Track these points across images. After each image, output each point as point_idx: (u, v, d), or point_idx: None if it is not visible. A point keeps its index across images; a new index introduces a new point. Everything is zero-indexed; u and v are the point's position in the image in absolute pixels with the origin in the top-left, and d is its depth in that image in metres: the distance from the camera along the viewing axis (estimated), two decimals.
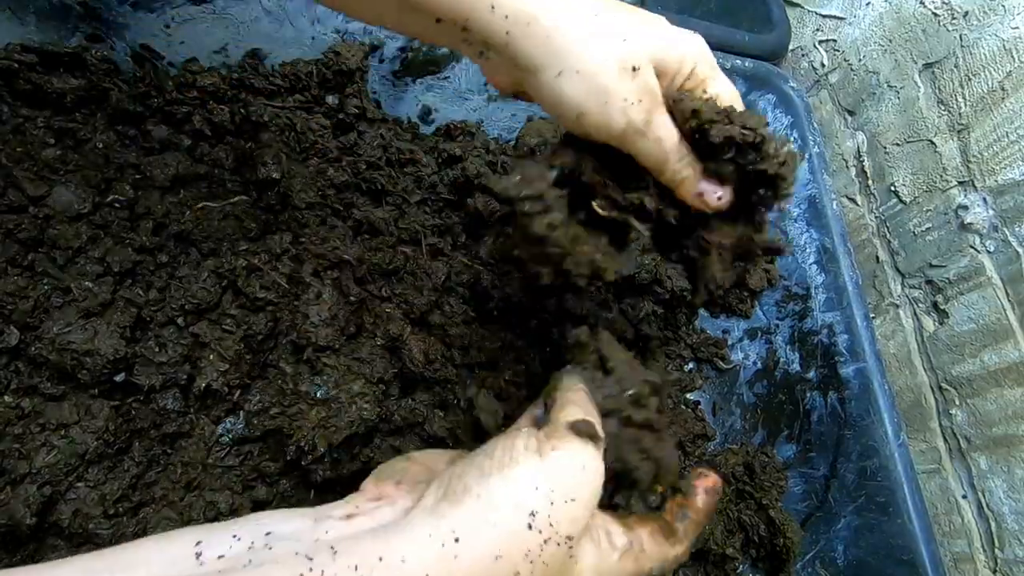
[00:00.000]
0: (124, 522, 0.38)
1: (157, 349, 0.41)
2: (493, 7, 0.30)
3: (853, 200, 0.70)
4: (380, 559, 0.24)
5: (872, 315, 0.65)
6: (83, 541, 0.37)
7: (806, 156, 0.62)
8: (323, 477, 0.41)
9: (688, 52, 0.33)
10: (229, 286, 0.44)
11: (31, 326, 0.38)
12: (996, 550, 0.53)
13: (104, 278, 0.41)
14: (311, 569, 0.24)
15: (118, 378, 0.40)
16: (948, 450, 0.59)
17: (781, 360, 0.60)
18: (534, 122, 0.60)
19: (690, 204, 0.34)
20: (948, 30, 0.59)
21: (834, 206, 0.60)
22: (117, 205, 0.43)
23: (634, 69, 0.30)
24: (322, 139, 0.52)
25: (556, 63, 0.30)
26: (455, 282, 0.51)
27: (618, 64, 0.30)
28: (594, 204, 0.34)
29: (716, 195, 0.33)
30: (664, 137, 0.32)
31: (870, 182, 0.68)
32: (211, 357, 0.42)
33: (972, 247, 0.56)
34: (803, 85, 0.76)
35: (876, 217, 0.67)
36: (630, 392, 0.34)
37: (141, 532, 0.37)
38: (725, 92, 0.34)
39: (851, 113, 0.70)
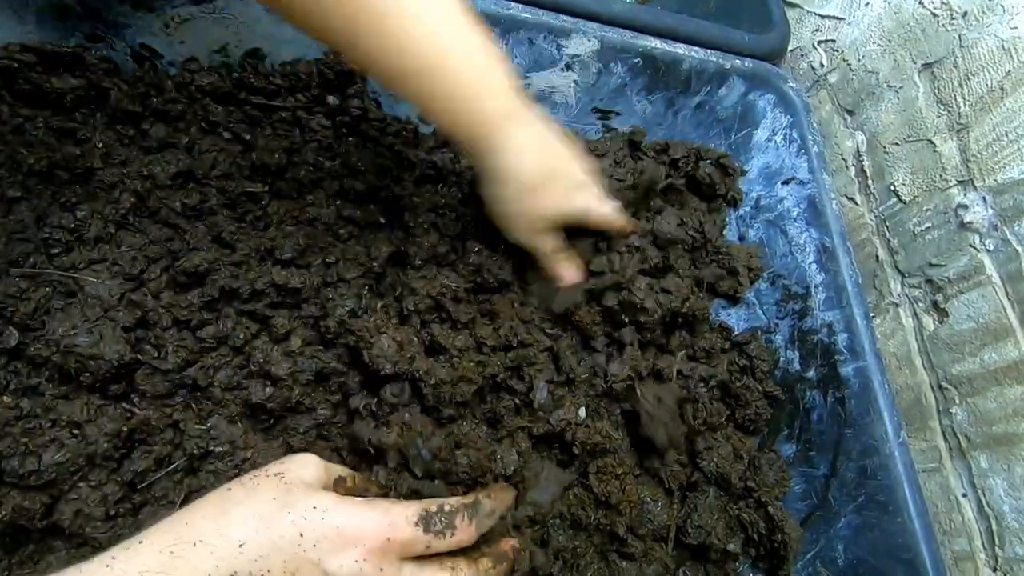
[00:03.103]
0: (121, 523, 0.37)
1: (157, 354, 0.41)
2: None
3: (852, 200, 0.70)
4: None
5: (872, 314, 0.65)
6: (82, 543, 0.37)
7: (806, 156, 0.62)
8: None
9: None
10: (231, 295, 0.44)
11: (31, 327, 0.38)
12: (996, 548, 0.53)
13: (111, 280, 0.41)
14: None
15: (120, 383, 0.40)
16: (948, 449, 0.59)
17: (781, 359, 0.60)
18: None
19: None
20: (947, 30, 0.59)
21: (834, 205, 0.60)
22: (121, 206, 0.43)
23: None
24: (323, 138, 0.52)
25: None
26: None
27: None
28: None
29: None
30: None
31: (870, 181, 0.68)
32: (214, 356, 0.42)
33: (972, 246, 0.56)
34: (802, 85, 0.76)
35: (876, 216, 0.67)
36: None
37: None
38: None
39: (850, 113, 0.71)
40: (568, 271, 0.52)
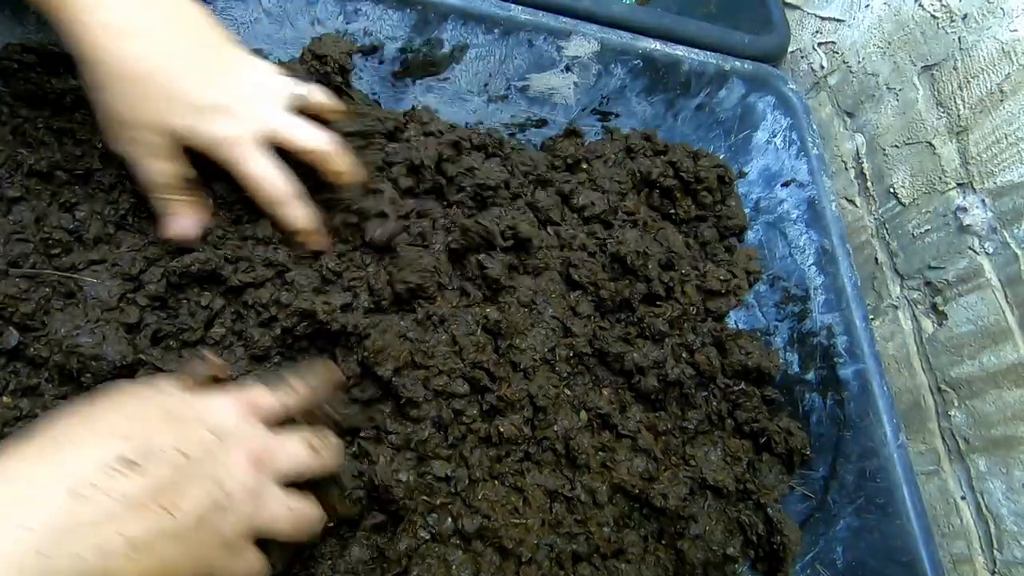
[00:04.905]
0: None
1: (159, 356, 0.41)
2: None
3: (852, 202, 0.70)
4: None
5: (871, 316, 0.65)
6: None
7: (805, 158, 0.62)
8: None
9: None
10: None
11: (31, 328, 0.38)
12: (995, 551, 0.53)
13: (110, 280, 0.41)
14: None
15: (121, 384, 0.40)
16: (947, 451, 0.59)
17: (780, 361, 0.60)
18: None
19: None
20: (947, 32, 0.59)
21: (833, 208, 0.60)
22: (120, 206, 0.43)
23: None
24: None
25: None
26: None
27: None
28: None
29: None
30: None
31: (869, 184, 0.68)
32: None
33: (971, 249, 0.56)
34: (802, 87, 0.76)
35: (875, 219, 0.67)
36: None
37: None
38: None
39: (850, 115, 0.71)
40: (177, 218, 0.38)
